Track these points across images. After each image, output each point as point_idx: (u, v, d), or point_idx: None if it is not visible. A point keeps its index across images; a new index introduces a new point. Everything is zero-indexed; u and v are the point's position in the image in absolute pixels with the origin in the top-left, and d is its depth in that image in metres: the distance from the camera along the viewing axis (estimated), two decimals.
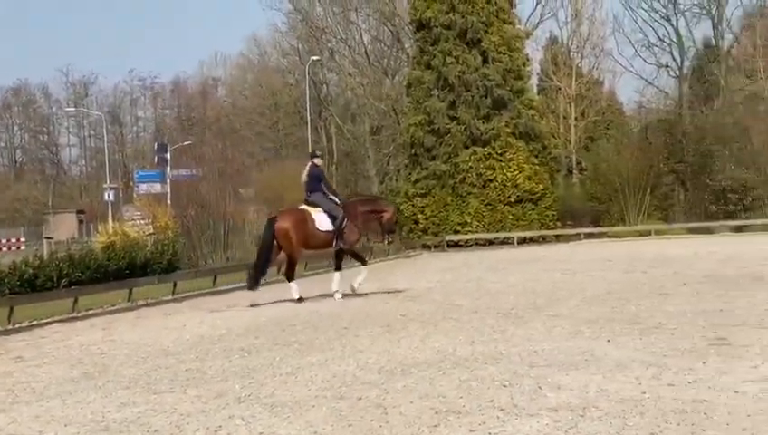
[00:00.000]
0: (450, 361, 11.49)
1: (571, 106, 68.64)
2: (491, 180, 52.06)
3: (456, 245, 50.78)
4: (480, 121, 52.36)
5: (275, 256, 22.35)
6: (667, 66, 77.51)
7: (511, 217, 52.05)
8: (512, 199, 52.13)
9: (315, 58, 69.60)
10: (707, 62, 75.04)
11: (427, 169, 53.01)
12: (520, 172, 51.96)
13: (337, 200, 22.29)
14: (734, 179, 53.67)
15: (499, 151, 52.27)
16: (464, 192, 52.35)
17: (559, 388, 9.43)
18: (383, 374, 10.85)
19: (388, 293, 22.51)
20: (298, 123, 78.89)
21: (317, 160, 22.98)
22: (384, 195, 57.99)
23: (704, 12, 77.09)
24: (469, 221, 52.05)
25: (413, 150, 53.81)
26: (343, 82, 77.21)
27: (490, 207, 52.20)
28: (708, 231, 50.67)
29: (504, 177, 51.86)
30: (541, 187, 52.82)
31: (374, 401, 9.38)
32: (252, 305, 20.59)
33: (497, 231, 51.54)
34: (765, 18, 67.63)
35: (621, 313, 15.39)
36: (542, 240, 51.48)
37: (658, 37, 78.05)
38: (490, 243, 50.72)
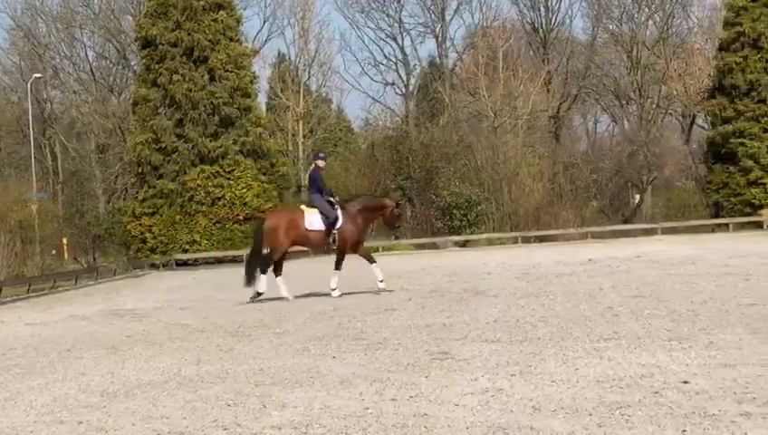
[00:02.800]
0: (175, 381, 11.32)
1: (299, 123, 69.05)
2: (219, 198, 51.79)
3: (185, 263, 50.24)
4: (208, 139, 52.06)
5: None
6: (394, 84, 79.16)
7: (240, 234, 51.82)
8: (241, 217, 51.98)
9: (38, 75, 67.61)
10: (432, 80, 76.97)
11: (154, 187, 52.32)
12: (248, 190, 51.89)
13: (333, 201, 22.70)
14: (458, 195, 54.98)
15: (227, 169, 52.07)
16: (192, 210, 51.89)
17: (283, 406, 9.39)
18: (106, 397, 10.58)
19: (114, 313, 22.03)
20: (21, 141, 76.45)
21: (319, 162, 23.73)
22: (112, 214, 57.01)
23: (428, 31, 79.12)
24: (198, 239, 51.64)
25: (140, 169, 52.99)
26: (68, 100, 75.40)
27: (219, 225, 51.93)
28: (435, 246, 51.77)
29: (233, 195, 51.69)
30: (269, 204, 52.82)
31: (95, 424, 9.14)
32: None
33: (227, 249, 51.25)
34: (487, 37, 69.77)
35: (347, 329, 15.48)
36: None
37: (384, 55, 79.60)
38: (219, 261, 50.36)
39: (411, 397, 9.44)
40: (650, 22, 78.37)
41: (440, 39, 79.51)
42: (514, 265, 31.20)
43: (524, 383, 9.73)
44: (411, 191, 59.85)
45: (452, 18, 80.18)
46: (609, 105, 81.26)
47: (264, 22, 77.81)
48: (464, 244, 52.23)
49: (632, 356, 10.92)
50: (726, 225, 51.19)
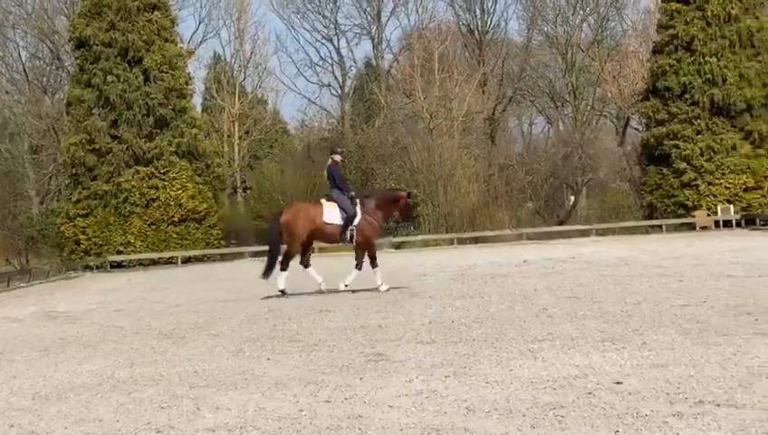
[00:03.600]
0: (108, 384, 11.21)
1: (234, 125, 68.78)
2: (154, 200, 51.56)
3: (119, 265, 49.89)
4: (143, 141, 51.82)
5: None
6: (329, 85, 79.17)
7: (175, 236, 51.67)
8: (176, 219, 51.79)
9: None
10: (368, 82, 77.00)
11: (88, 188, 51.97)
12: (183, 191, 51.70)
13: (353, 195, 22.81)
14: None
15: (162, 171, 51.85)
16: (127, 212, 51.62)
17: (217, 408, 9.33)
18: (38, 399, 10.47)
19: (48, 315, 21.80)
20: None
21: (336, 157, 23.54)
22: (45, 215, 56.45)
23: (364, 32, 79.24)
24: (132, 241, 51.36)
25: (74, 170, 52.61)
26: (0, 101, 74.49)
27: (154, 226, 51.69)
28: None
29: (168, 196, 51.47)
30: (205, 206, 52.72)
31: (27, 427, 9.04)
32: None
33: (161, 251, 51.00)
34: (423, 39, 69.91)
35: (282, 330, 15.42)
36: (207, 259, 51.31)
37: (320, 57, 79.67)
38: (154, 263, 50.14)
39: (346, 399, 9.42)
40: (585, 24, 79.11)
41: (376, 41, 79.72)
42: (450, 267, 31.27)
43: (459, 385, 9.74)
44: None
45: (388, 20, 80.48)
46: (544, 107, 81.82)
47: (200, 23, 77.66)
48: (399, 245, 52.29)
49: (566, 357, 10.96)
50: (660, 226, 51.70)
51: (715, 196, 52.24)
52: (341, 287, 22.30)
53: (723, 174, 52.39)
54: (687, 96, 53.45)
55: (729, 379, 9.16)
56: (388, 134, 62.57)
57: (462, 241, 52.09)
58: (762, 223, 49.16)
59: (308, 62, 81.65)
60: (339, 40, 79.94)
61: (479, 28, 79.57)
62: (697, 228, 50.82)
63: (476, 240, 52.73)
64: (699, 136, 52.92)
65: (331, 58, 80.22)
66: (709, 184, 52.52)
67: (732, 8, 52.82)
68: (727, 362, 10.00)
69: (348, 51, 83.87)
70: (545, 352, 11.37)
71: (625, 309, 15.24)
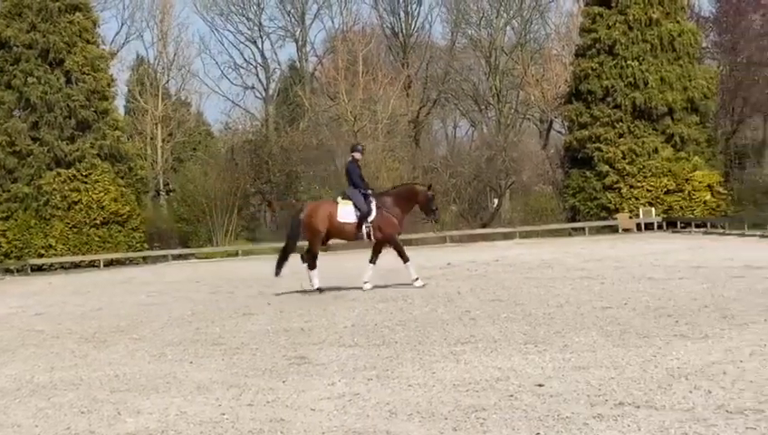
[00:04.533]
0: (28, 388, 11.10)
1: (158, 127, 68.32)
2: (76, 202, 51.04)
3: (40, 269, 49.28)
4: (64, 143, 51.29)
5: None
6: (253, 88, 78.99)
7: (97, 239, 51.20)
8: (98, 221, 51.32)
9: None
10: (292, 84, 76.90)
11: (8, 191, 51.34)
12: (106, 194, 51.25)
13: (369, 193, 22.59)
14: (318, 199, 54.91)
15: (84, 173, 51.37)
16: (48, 215, 51.06)
17: (138, 412, 9.27)
18: None
19: None
20: None
21: (356, 155, 23.42)
22: None
23: (288, 35, 79.15)
24: (54, 244, 50.79)
25: None
26: None
27: (76, 229, 51.17)
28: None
29: (90, 199, 50.99)
30: (127, 208, 52.28)
31: None
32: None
33: (83, 254, 50.50)
34: (347, 42, 69.93)
35: (205, 334, 15.33)
36: (130, 262, 50.89)
37: (244, 59, 79.47)
38: (76, 266, 49.62)
39: (268, 402, 9.39)
40: (508, 27, 79.64)
41: (300, 43, 79.73)
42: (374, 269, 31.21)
43: (381, 388, 9.74)
44: (271, 195, 59.68)
45: (312, 22, 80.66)
46: (468, 110, 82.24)
47: (122, 24, 77.27)
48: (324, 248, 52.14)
49: (488, 360, 11.01)
50: (583, 229, 52.08)
51: (636, 199, 52.70)
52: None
53: (644, 177, 52.86)
54: (610, 99, 53.87)
55: (649, 380, 9.25)
56: (312, 137, 62.53)
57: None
58: (682, 226, 49.71)
59: (232, 64, 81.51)
60: (263, 42, 79.89)
61: (403, 31, 79.81)
62: (620, 231, 51.25)
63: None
64: (621, 139, 53.36)
65: (255, 60, 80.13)
66: (631, 187, 52.97)
67: (653, 13, 53.32)
68: (647, 364, 10.11)
69: (272, 53, 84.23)
70: (468, 355, 11.41)
71: (547, 311, 15.34)
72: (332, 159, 58.92)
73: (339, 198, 23.13)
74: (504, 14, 78.55)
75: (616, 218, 52.51)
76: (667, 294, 16.84)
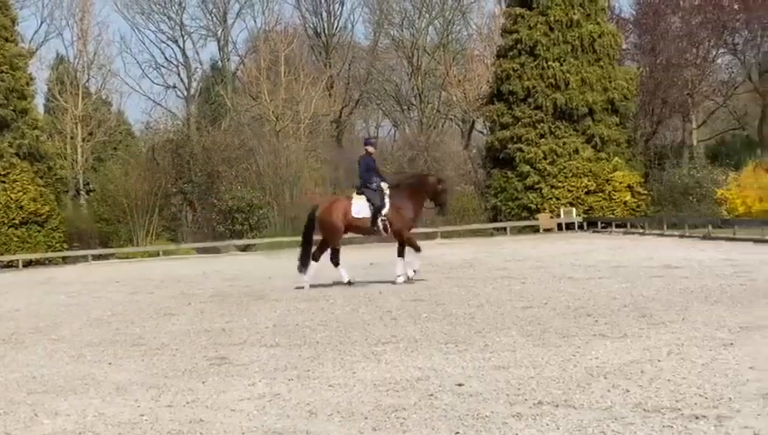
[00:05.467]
0: None
1: (78, 126, 67.53)
2: None
3: None
4: None
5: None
6: (175, 87, 78.49)
7: (16, 239, 50.57)
8: (17, 221, 50.68)
9: None
10: (214, 84, 76.55)
11: None
12: (24, 194, 50.62)
13: (383, 187, 22.36)
14: (240, 199, 54.74)
15: (2, 172, 50.73)
16: None
17: (56, 414, 9.18)
18: None
19: None
20: None
21: (369, 148, 23.15)
22: None
23: (210, 34, 78.79)
24: None
25: None
26: None
27: None
28: (216, 251, 51.39)
29: (8, 198, 50.33)
30: (47, 208, 51.69)
31: None
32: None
33: (2, 254, 49.84)
34: (269, 41, 69.72)
35: (125, 334, 15.21)
36: (49, 262, 50.31)
37: (166, 58, 79.01)
38: None
39: (188, 403, 9.34)
40: (431, 28, 80.00)
41: (222, 42, 79.45)
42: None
43: (302, 388, 9.73)
44: (192, 195, 59.32)
45: (234, 22, 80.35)
46: (390, 110, 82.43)
47: (42, 22, 76.19)
48: (245, 248, 52.03)
49: (409, 359, 11.04)
50: (504, 228, 52.37)
51: (558, 199, 53.08)
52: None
53: (565, 177, 53.26)
54: (531, 100, 54.20)
55: (568, 380, 9.33)
56: (234, 136, 62.14)
57: None
58: (603, 226, 50.15)
59: (153, 63, 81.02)
60: (184, 41, 79.50)
61: (326, 31, 79.85)
62: (541, 231, 51.63)
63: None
64: (542, 140, 53.73)
65: (177, 59, 79.73)
66: (552, 187, 53.35)
67: (574, 14, 53.75)
68: (567, 364, 10.19)
69: (194, 52, 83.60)
70: (388, 355, 11.43)
71: (468, 311, 15.41)
72: (254, 158, 58.70)
73: (353, 194, 23.07)
74: (427, 15, 78.88)
75: (537, 219, 52.87)
76: (587, 294, 16.99)
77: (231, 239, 53.32)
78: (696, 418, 7.55)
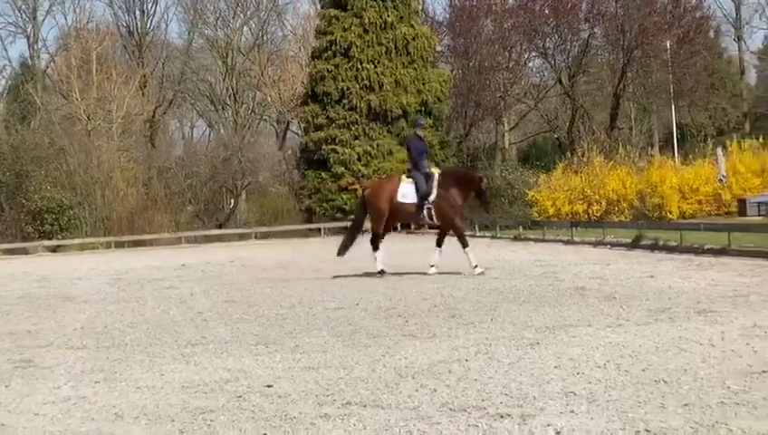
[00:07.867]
0: None
1: None
2: None
3: None
4: None
5: None
6: None
7: None
8: None
9: None
10: (24, 82, 74.70)
11: None
12: None
13: (434, 173, 21.66)
14: (50, 199, 53.54)
15: None
16: None
17: None
18: None
19: None
20: None
21: (419, 131, 22.46)
22: None
23: (19, 30, 76.90)
24: None
25: None
26: None
27: None
28: (25, 252, 50.17)
29: None
30: None
31: None
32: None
33: None
34: (81, 39, 68.40)
35: None
36: None
37: None
38: None
39: None
40: (246, 28, 79.57)
41: (32, 39, 77.55)
42: (106, 271, 30.74)
43: (108, 390, 9.59)
44: (0, 196, 57.76)
45: (44, 19, 78.52)
46: (205, 110, 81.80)
47: None
48: (55, 249, 50.96)
49: (219, 361, 10.99)
50: (319, 229, 52.48)
51: None
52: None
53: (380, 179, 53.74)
54: (345, 101, 54.45)
55: (377, 380, 9.41)
56: (44, 136, 60.76)
57: (120, 244, 51.12)
58: (415, 227, 50.60)
59: None
60: None
61: (139, 29, 78.69)
62: (322, 234, 51.82)
63: (135, 244, 51.95)
64: (357, 141, 54.02)
65: None
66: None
67: (388, 16, 54.22)
68: (376, 364, 10.28)
69: (2, 49, 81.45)
70: (198, 357, 11.36)
71: (280, 312, 15.43)
72: (65, 158, 57.50)
73: (403, 176, 22.33)
74: (242, 15, 78.50)
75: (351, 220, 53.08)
76: (398, 295, 17.18)
77: (40, 240, 52.08)
78: (501, 416, 7.68)
